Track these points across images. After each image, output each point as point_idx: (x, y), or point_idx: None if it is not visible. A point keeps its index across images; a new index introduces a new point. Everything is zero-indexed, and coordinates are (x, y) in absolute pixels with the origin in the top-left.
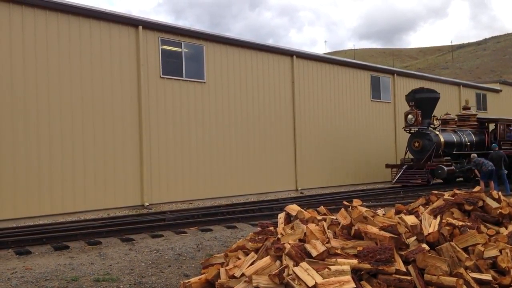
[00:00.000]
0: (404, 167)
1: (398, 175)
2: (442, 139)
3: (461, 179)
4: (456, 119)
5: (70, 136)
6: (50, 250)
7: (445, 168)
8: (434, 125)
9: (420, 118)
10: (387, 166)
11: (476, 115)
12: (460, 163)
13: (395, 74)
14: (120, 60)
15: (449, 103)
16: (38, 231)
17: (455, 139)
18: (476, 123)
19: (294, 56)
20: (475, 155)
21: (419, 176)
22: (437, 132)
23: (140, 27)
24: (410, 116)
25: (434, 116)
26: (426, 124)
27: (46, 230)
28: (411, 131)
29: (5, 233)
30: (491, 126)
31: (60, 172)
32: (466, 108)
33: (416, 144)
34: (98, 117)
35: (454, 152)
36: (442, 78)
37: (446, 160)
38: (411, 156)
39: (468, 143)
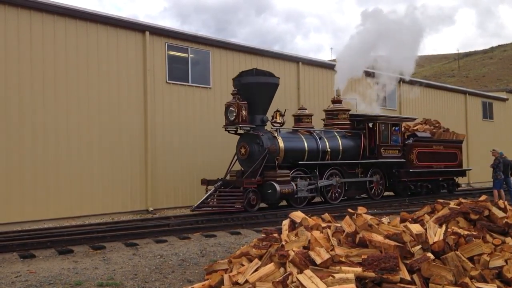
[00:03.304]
0: (217, 184)
1: (204, 198)
2: (281, 144)
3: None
4: (310, 116)
5: (77, 141)
6: (54, 254)
7: (278, 187)
8: (278, 123)
9: (245, 113)
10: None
11: (349, 110)
12: (314, 177)
13: (401, 82)
14: (127, 65)
15: (454, 112)
16: (43, 235)
17: (305, 145)
18: (349, 122)
19: (300, 63)
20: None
21: (235, 198)
22: (275, 134)
23: (147, 33)
24: (231, 109)
25: (277, 111)
26: (258, 121)
27: (50, 234)
28: (238, 131)
29: (9, 236)
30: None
31: (68, 176)
32: (336, 101)
33: (242, 151)
34: (105, 121)
35: (303, 162)
36: (448, 86)
37: (284, 174)
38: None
39: (329, 150)
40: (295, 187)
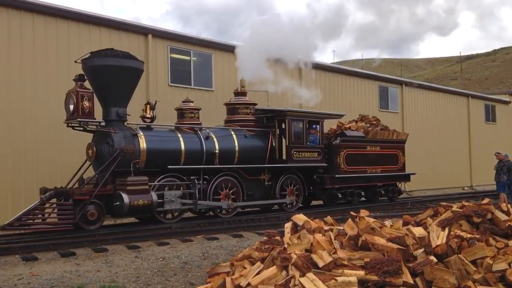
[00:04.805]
0: (46, 195)
1: (22, 212)
2: (142, 144)
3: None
4: (197, 110)
5: (80, 142)
6: (57, 256)
7: (126, 198)
8: (148, 118)
9: (87, 104)
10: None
11: (254, 104)
12: (193, 185)
13: (403, 85)
14: None
15: (457, 114)
16: (45, 237)
17: (182, 145)
18: (253, 118)
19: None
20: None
21: (63, 213)
22: (137, 132)
23: (150, 35)
24: (70, 100)
25: (147, 104)
26: (113, 115)
27: (52, 236)
28: (88, 128)
29: (12, 239)
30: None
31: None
32: (239, 93)
33: (89, 152)
34: None
35: (173, 167)
36: (450, 88)
37: (138, 182)
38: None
39: (217, 152)
40: (155, 197)
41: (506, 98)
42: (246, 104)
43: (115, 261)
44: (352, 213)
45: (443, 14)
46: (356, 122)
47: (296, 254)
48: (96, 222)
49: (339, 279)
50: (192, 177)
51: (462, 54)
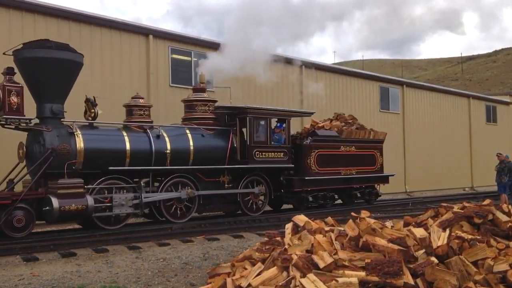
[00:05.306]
0: None
1: None
2: (80, 144)
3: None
4: (147, 108)
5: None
6: (57, 257)
7: (56, 203)
8: (92, 116)
9: (16, 100)
10: None
11: (214, 101)
12: (138, 189)
13: (404, 85)
14: (130, 69)
15: (458, 115)
16: (46, 238)
17: (127, 145)
18: (213, 116)
19: (303, 66)
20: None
21: None
22: (74, 130)
23: (151, 36)
24: None
25: (87, 101)
26: (47, 112)
27: (53, 237)
28: (21, 126)
29: (13, 239)
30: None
31: None
32: (197, 89)
33: (20, 152)
34: None
35: (115, 168)
36: (451, 89)
37: (71, 184)
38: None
39: (168, 152)
40: (91, 202)
41: (507, 99)
42: (204, 101)
43: (116, 262)
44: (353, 213)
45: (451, 15)
46: (331, 121)
47: (297, 255)
48: (24, 229)
49: (340, 280)
50: (144, 180)
51: (463, 55)
